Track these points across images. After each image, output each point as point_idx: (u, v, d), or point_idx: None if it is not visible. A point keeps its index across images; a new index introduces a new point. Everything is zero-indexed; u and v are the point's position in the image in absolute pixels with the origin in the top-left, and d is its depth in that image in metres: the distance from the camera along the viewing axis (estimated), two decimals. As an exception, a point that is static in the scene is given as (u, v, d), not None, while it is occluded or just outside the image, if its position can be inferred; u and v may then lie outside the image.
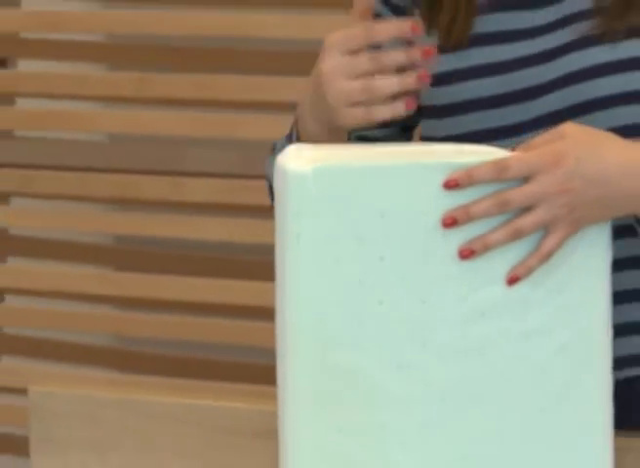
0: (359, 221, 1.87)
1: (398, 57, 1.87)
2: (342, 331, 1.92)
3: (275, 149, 2.16)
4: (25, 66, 3.74)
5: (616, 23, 2.12)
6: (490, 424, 1.94)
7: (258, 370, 3.49)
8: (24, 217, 3.76)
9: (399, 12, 2.23)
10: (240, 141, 3.48)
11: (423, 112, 2.20)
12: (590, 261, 1.92)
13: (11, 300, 3.77)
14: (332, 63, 1.91)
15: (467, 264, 1.90)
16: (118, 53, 3.76)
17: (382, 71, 1.88)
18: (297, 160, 1.86)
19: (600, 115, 2.09)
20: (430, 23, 2.18)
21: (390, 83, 1.89)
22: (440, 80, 2.17)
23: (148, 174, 3.52)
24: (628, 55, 2.09)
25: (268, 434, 2.07)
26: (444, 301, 1.92)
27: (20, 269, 3.77)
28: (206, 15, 3.53)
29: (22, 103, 3.75)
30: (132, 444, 2.34)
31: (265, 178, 2.18)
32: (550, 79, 2.13)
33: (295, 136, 2.09)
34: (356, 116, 1.90)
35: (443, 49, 2.15)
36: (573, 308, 1.90)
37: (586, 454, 1.97)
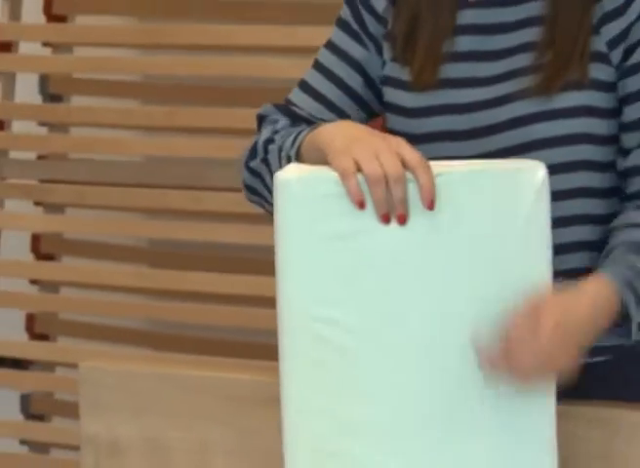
0: (337, 218, 1.85)
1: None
2: (329, 311, 1.90)
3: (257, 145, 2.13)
4: (77, 101, 3.72)
5: (552, 79, 2.09)
6: (449, 394, 1.92)
7: (265, 349, 3.47)
8: (76, 224, 3.75)
9: (373, 13, 2.19)
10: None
11: (392, 132, 2.17)
12: None
13: (65, 291, 3.76)
14: (371, 160, 1.85)
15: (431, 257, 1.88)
16: (152, 90, 3.75)
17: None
18: (288, 173, 1.87)
19: (539, 154, 2.03)
20: (404, 62, 2.14)
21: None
22: (409, 113, 2.14)
23: (176, 188, 3.50)
24: (561, 105, 2.07)
25: (273, 401, 2.05)
26: (415, 291, 1.89)
27: (72, 266, 3.76)
28: (222, 59, 3.51)
29: (75, 132, 3.73)
30: (162, 409, 2.33)
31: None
32: (499, 121, 2.10)
33: (294, 151, 2.02)
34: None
35: (414, 86, 2.13)
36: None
37: (531, 421, 1.93)
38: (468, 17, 2.13)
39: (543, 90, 2.04)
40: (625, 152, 2.08)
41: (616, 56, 2.08)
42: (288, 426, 1.96)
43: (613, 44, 2.08)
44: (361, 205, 1.83)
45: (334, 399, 1.92)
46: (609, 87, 2.08)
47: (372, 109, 2.18)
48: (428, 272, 1.89)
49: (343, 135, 1.92)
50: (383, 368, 1.91)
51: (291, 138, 2.02)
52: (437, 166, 1.84)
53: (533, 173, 1.86)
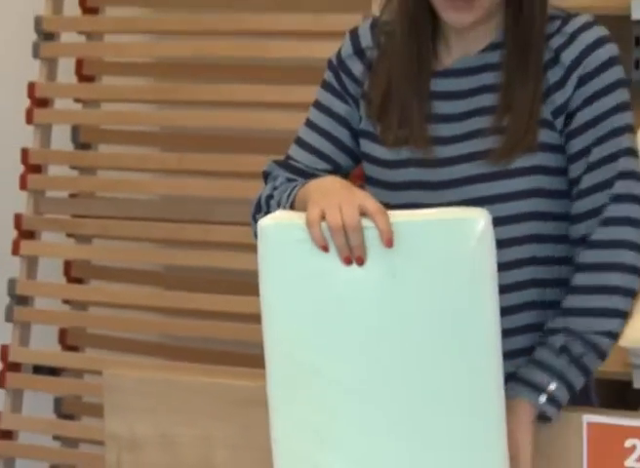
0: (307, 259, 1.86)
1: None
2: (304, 337, 1.91)
3: (261, 199, 2.14)
4: (103, 148, 3.72)
5: (511, 144, 2.06)
6: (410, 400, 1.89)
7: (260, 359, 3.46)
8: (102, 253, 3.74)
9: (352, 78, 2.18)
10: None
11: (368, 182, 2.16)
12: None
13: (92, 310, 3.75)
14: (334, 211, 1.85)
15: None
16: (167, 139, 3.75)
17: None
18: (270, 219, 1.91)
19: (496, 206, 2.02)
20: (378, 120, 2.14)
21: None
22: (383, 164, 2.13)
23: (187, 222, 3.50)
24: (516, 165, 2.05)
25: (267, 403, 2.03)
26: (376, 324, 1.87)
27: (98, 288, 3.75)
28: (227, 113, 3.51)
29: (101, 174, 3.74)
30: (173, 410, 2.34)
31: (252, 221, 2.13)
32: (462, 176, 2.09)
33: (288, 205, 2.02)
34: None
35: (387, 142, 2.12)
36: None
37: (482, 424, 1.91)
38: (435, 85, 2.11)
39: (504, 152, 2.03)
40: (577, 199, 2.06)
41: (559, 122, 2.07)
42: (275, 443, 1.98)
43: (556, 113, 2.07)
44: (324, 249, 1.83)
45: (312, 416, 1.92)
46: (556, 149, 2.08)
47: (358, 157, 2.17)
48: (387, 308, 1.87)
49: (320, 189, 1.92)
50: (353, 391, 1.90)
51: (286, 194, 2.02)
52: (394, 214, 1.84)
53: (475, 222, 1.84)
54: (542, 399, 1.94)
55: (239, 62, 3.53)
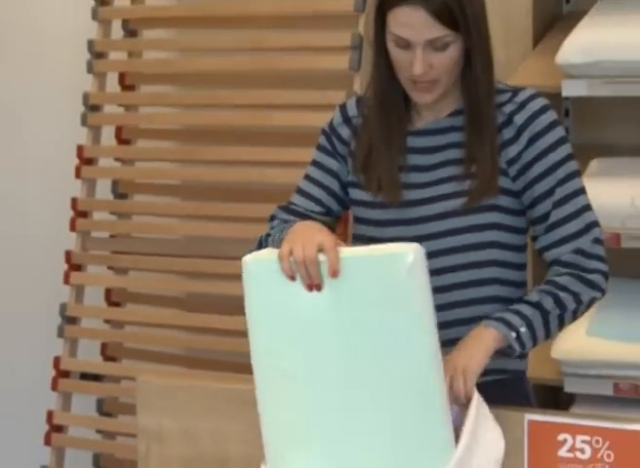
0: (281, 287, 1.90)
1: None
2: (280, 349, 1.94)
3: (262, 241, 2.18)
4: (137, 198, 3.72)
5: (479, 189, 2.10)
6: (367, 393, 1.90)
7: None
8: (136, 282, 3.73)
9: (341, 141, 2.21)
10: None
11: (357, 222, 2.17)
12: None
13: (127, 328, 3.73)
14: (298, 248, 1.89)
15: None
16: (187, 191, 3.73)
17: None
18: (253, 255, 1.96)
19: (459, 237, 2.08)
20: (363, 173, 2.16)
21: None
22: (368, 205, 2.15)
23: (205, 258, 3.49)
24: (477, 204, 2.08)
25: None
26: (334, 339, 1.91)
27: (133, 311, 3.73)
28: (235, 171, 3.50)
29: (136, 218, 3.74)
30: (193, 410, 2.33)
31: None
32: (431, 214, 2.11)
33: (279, 240, 2.04)
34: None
35: (370, 189, 2.14)
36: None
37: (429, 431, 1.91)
38: (410, 142, 2.13)
39: (477, 193, 2.06)
40: (540, 235, 2.09)
41: (512, 171, 2.09)
42: (264, 440, 1.99)
43: (510, 162, 2.09)
44: (291, 278, 1.87)
45: (290, 415, 1.95)
46: (511, 193, 2.10)
47: (346, 203, 2.19)
48: (342, 325, 1.89)
49: (293, 231, 1.96)
50: (321, 394, 1.93)
51: (279, 234, 2.06)
52: (344, 251, 1.88)
53: (406, 256, 1.85)
54: (513, 335, 1.96)
55: (246, 129, 3.52)
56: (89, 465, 3.68)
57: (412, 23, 1.95)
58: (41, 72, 3.98)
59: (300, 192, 2.20)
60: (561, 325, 2.03)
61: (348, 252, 1.89)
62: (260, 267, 1.95)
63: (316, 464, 1.94)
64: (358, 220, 2.16)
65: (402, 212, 2.09)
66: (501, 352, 1.97)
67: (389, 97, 2.10)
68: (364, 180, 2.12)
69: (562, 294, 2.00)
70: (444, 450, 1.87)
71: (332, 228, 2.11)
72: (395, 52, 2.01)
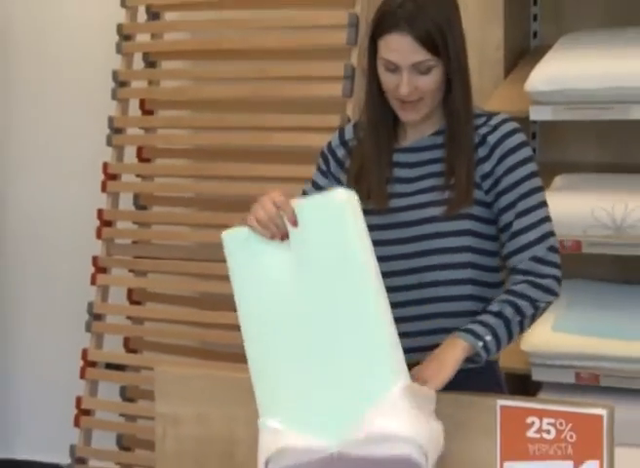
0: (253, 247, 1.97)
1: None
2: (260, 306, 1.99)
3: None
4: (156, 209, 3.72)
5: (457, 199, 2.10)
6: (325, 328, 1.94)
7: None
8: (155, 283, 3.72)
9: (338, 162, 2.21)
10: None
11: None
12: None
13: (147, 324, 3.72)
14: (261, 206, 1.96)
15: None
16: (200, 202, 3.72)
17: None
18: (228, 231, 2.04)
19: (438, 241, 2.07)
20: (356, 184, 2.16)
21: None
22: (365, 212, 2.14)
23: (216, 262, 3.43)
24: (454, 212, 2.08)
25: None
26: (300, 281, 1.96)
27: (152, 309, 3.72)
28: (244, 186, 3.49)
29: (155, 227, 3.73)
30: (205, 396, 2.31)
31: None
32: (414, 219, 2.11)
33: None
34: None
35: (361, 199, 2.14)
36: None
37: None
38: (397, 157, 2.14)
39: (455, 203, 2.07)
40: (505, 241, 2.08)
41: (486, 185, 2.09)
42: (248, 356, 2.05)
43: (483, 177, 2.09)
44: (272, 237, 1.96)
45: (273, 360, 2.01)
46: (484, 204, 2.10)
47: None
48: (303, 273, 1.94)
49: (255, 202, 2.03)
50: (292, 328, 1.97)
51: None
52: (293, 203, 1.96)
53: (338, 196, 1.93)
54: (480, 344, 1.95)
55: (251, 149, 3.52)
56: (113, 445, 3.67)
57: (399, 48, 1.98)
58: (72, 99, 3.98)
59: (308, 186, 2.24)
60: (522, 329, 2.03)
61: (295, 204, 1.96)
62: (235, 239, 2.02)
63: (292, 397, 1.98)
64: None
65: (389, 217, 2.10)
66: (470, 359, 1.98)
67: (380, 118, 2.12)
68: (356, 191, 2.13)
69: (520, 302, 2.00)
70: (396, 373, 1.88)
71: None
72: (385, 75, 2.03)
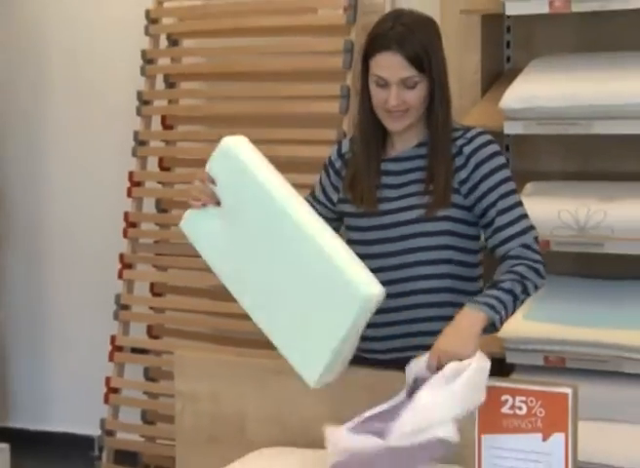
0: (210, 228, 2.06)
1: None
2: (230, 272, 2.07)
3: None
4: (175, 212, 3.67)
5: (436, 201, 2.10)
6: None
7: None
8: (174, 277, 3.70)
9: (336, 172, 2.22)
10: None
11: (347, 228, 2.17)
12: None
13: (167, 313, 3.71)
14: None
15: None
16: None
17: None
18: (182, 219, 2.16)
19: (422, 239, 2.08)
20: (350, 191, 2.15)
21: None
22: (354, 215, 2.16)
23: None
24: (436, 214, 2.09)
25: (283, 372, 1.99)
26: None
27: (172, 300, 3.71)
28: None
29: (173, 228, 3.70)
30: (219, 376, 2.31)
31: None
32: (402, 220, 2.11)
33: None
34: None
35: (356, 202, 2.15)
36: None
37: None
38: (385, 166, 2.15)
39: (434, 205, 2.07)
40: (489, 237, 2.09)
41: (463, 190, 2.10)
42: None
43: (461, 183, 2.10)
44: (203, 205, 2.06)
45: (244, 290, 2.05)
46: (463, 207, 2.11)
47: (338, 214, 2.21)
48: (239, 218, 2.01)
49: None
50: (257, 275, 2.01)
51: None
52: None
53: (226, 144, 2.08)
54: (497, 317, 1.94)
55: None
56: (137, 419, 3.67)
57: (390, 66, 2.00)
58: (102, 116, 3.97)
59: (312, 195, 2.28)
60: (520, 306, 2.04)
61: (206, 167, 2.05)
62: (187, 223, 2.14)
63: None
64: (348, 227, 2.18)
65: (378, 219, 2.12)
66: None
67: (370, 131, 2.14)
68: (351, 196, 2.15)
69: (527, 283, 2.01)
70: (351, 289, 1.86)
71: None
72: (375, 90, 2.05)
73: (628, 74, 2.74)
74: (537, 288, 2.03)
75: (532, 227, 2.07)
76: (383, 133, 2.13)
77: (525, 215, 2.08)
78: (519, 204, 2.08)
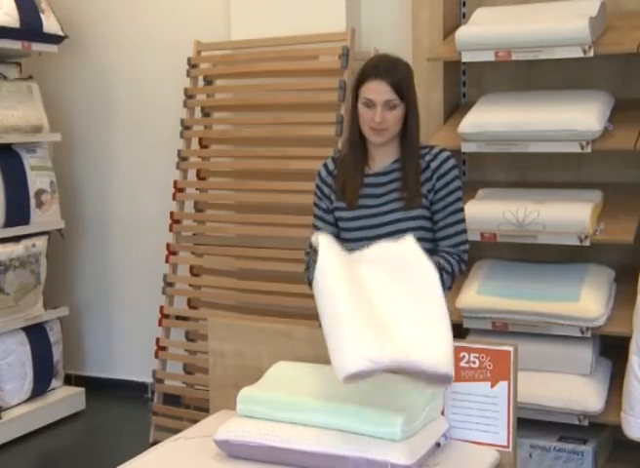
0: None
1: None
2: None
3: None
4: (210, 212, 3.63)
5: (408, 204, 2.07)
6: None
7: (292, 314, 3.35)
8: (208, 262, 3.65)
9: (327, 186, 2.14)
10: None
11: (340, 228, 2.12)
12: None
13: (203, 289, 3.66)
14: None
15: None
16: (239, 208, 3.65)
17: None
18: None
19: (393, 226, 2.04)
20: (341, 199, 2.13)
21: None
22: (345, 219, 2.13)
23: (251, 248, 3.43)
24: (412, 215, 2.07)
25: (286, 335, 1.96)
26: None
27: (207, 278, 3.65)
28: (268, 194, 3.42)
29: (208, 224, 3.65)
30: (243, 338, 2.27)
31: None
32: (385, 221, 2.11)
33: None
34: None
35: (347, 208, 2.08)
36: None
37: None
38: (367, 180, 2.12)
39: (406, 208, 2.04)
40: (438, 230, 2.08)
41: (429, 196, 2.07)
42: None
43: (428, 192, 2.09)
44: None
45: None
46: (427, 208, 2.08)
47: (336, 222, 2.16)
48: None
49: None
50: None
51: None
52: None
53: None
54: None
55: (273, 171, 3.44)
56: (180, 370, 3.64)
57: (377, 90, 2.00)
58: (154, 138, 3.94)
59: (315, 228, 2.20)
60: (446, 284, 2.01)
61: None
62: None
63: None
64: (341, 229, 2.14)
65: (367, 220, 2.08)
66: None
67: (357, 150, 2.10)
68: (343, 198, 2.12)
69: (455, 268, 2.05)
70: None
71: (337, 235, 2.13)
72: (363, 110, 2.04)
73: (553, 107, 2.72)
74: (462, 270, 2.07)
75: (464, 231, 2.10)
76: (365, 152, 2.10)
77: (462, 220, 2.10)
78: (460, 210, 2.09)
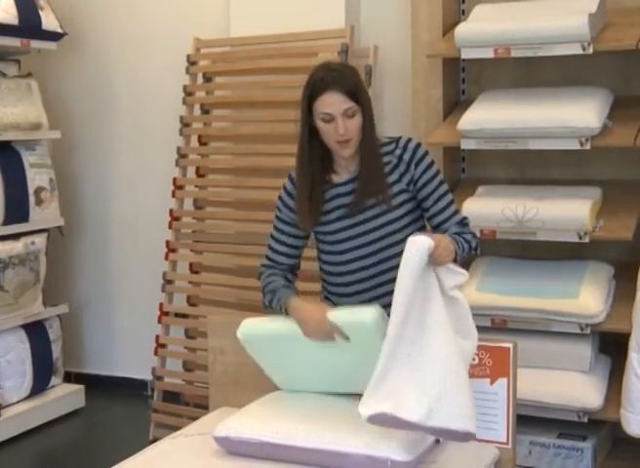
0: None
1: None
2: None
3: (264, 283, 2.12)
4: (209, 209, 3.63)
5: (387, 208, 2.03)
6: None
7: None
8: (208, 259, 3.65)
9: (289, 209, 2.08)
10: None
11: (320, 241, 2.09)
12: None
13: (202, 287, 3.66)
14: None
15: None
16: (238, 205, 3.65)
17: None
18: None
19: (379, 231, 2.02)
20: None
21: None
22: (328, 241, 2.07)
23: (249, 245, 3.41)
24: (395, 216, 2.03)
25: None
26: None
27: (206, 276, 3.64)
28: (266, 192, 3.43)
29: (208, 221, 3.64)
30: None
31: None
32: (369, 228, 2.03)
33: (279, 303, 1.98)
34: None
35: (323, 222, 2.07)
36: None
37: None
38: (336, 189, 2.09)
39: (385, 212, 2.02)
40: (433, 217, 2.04)
41: (410, 188, 2.05)
42: None
43: (409, 184, 2.06)
44: None
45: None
46: (413, 199, 2.06)
47: (301, 240, 2.13)
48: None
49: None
50: None
51: (276, 302, 2.05)
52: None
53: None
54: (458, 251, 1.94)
55: (272, 168, 3.44)
56: (180, 367, 3.64)
57: (332, 102, 1.94)
58: (154, 135, 3.93)
59: (271, 249, 2.16)
60: (466, 255, 2.02)
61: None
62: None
63: None
64: (327, 252, 2.11)
65: (349, 220, 2.05)
66: None
67: (316, 164, 2.04)
68: (309, 209, 2.06)
69: (472, 243, 2.03)
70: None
71: (296, 265, 2.12)
72: (324, 126, 1.98)
73: (553, 104, 2.71)
74: (477, 246, 2.05)
75: (458, 210, 2.08)
76: (328, 165, 2.06)
77: (453, 201, 2.06)
78: (448, 191, 2.06)
